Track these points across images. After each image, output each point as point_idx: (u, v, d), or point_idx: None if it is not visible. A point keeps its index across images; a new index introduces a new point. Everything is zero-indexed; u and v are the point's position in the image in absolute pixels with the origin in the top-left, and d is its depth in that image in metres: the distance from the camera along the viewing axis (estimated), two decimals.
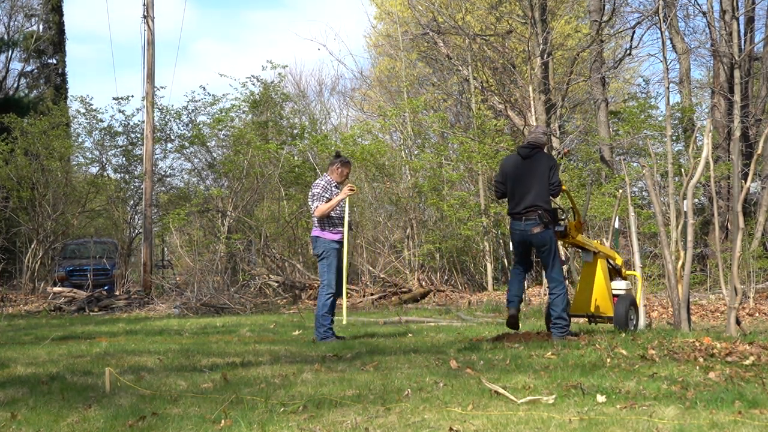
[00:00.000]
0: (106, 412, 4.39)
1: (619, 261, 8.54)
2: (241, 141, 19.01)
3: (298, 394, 4.80)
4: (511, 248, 7.86)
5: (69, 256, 20.27)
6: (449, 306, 14.49)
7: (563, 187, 7.59)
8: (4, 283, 19.28)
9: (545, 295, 7.66)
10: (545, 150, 7.69)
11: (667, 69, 10.51)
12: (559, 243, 7.73)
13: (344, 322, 8.93)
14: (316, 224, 8.07)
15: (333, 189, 8.09)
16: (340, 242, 8.05)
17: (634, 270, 9.25)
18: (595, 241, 8.48)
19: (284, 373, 5.61)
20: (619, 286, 8.42)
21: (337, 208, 8.02)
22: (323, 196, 7.99)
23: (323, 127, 26.08)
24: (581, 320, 9.21)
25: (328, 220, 8.00)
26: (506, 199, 7.65)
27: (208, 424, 4.08)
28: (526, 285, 8.23)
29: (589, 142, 21.03)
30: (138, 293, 17.50)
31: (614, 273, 8.50)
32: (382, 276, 16.53)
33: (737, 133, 17.60)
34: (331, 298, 7.97)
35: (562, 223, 7.67)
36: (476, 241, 17.69)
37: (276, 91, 20.17)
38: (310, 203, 8.16)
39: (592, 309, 8.23)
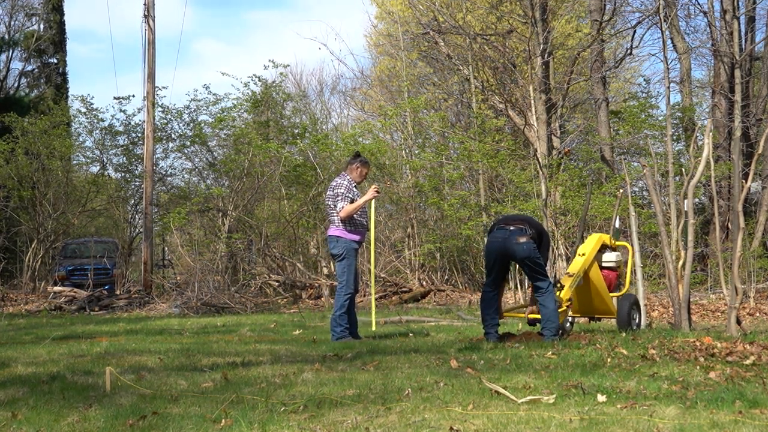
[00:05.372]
0: (106, 411, 4.39)
1: (606, 239, 8.49)
2: (242, 140, 19.01)
3: (298, 393, 4.80)
4: (485, 263, 7.54)
5: (69, 256, 20.27)
6: (450, 305, 14.49)
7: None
8: (4, 283, 19.28)
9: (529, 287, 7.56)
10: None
11: (668, 68, 10.52)
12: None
13: (373, 329, 8.90)
14: (337, 224, 7.91)
15: (354, 189, 7.99)
16: (360, 243, 8.00)
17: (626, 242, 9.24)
18: (580, 254, 8.24)
19: (285, 372, 5.61)
20: (609, 258, 8.40)
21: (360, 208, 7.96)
22: (347, 197, 7.86)
23: (324, 127, 26.07)
24: (582, 320, 9.22)
25: (351, 221, 7.88)
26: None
27: (208, 423, 4.08)
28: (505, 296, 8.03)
29: (589, 141, 21.02)
30: (138, 293, 17.50)
31: (605, 247, 8.49)
32: (382, 276, 16.53)
33: (738, 133, 17.60)
34: (350, 299, 7.90)
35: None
36: (477, 240, 17.69)
37: (277, 91, 20.17)
38: (330, 202, 7.97)
39: (594, 311, 8.23)
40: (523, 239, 7.08)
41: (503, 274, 7.53)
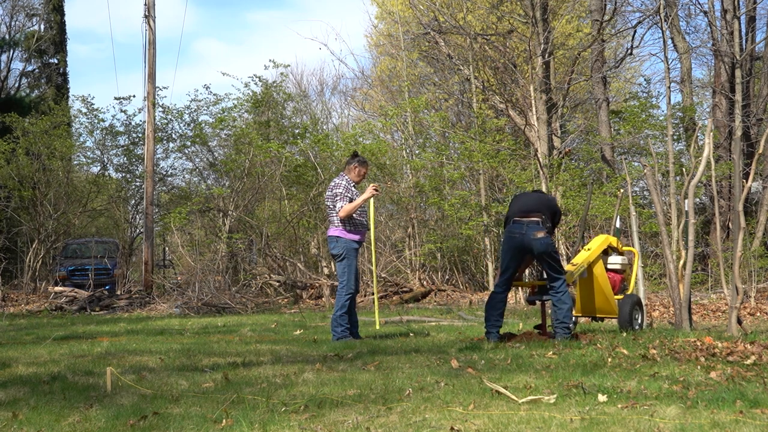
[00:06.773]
0: (107, 411, 4.39)
1: (614, 242, 8.49)
2: (243, 140, 19.02)
3: (299, 393, 4.80)
4: (501, 258, 7.38)
5: (70, 256, 20.28)
6: (450, 305, 14.49)
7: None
8: (5, 283, 19.29)
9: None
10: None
11: (669, 68, 10.51)
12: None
13: (377, 327, 8.88)
14: (337, 224, 7.89)
15: (353, 189, 7.97)
16: (360, 243, 7.99)
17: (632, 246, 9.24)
18: (585, 248, 8.22)
19: (285, 372, 5.61)
20: (615, 260, 8.40)
21: (359, 208, 7.94)
22: (346, 196, 7.84)
23: (324, 127, 26.08)
24: (583, 320, 9.22)
25: (350, 221, 7.86)
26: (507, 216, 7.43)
27: (209, 423, 4.08)
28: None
29: (590, 141, 21.02)
30: (139, 293, 17.51)
31: (611, 250, 8.49)
32: (383, 275, 16.54)
33: (738, 133, 17.61)
34: (350, 299, 7.89)
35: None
36: (477, 240, 17.69)
37: (278, 91, 20.18)
38: (329, 203, 7.96)
39: (596, 311, 8.23)
40: (540, 234, 6.99)
41: (515, 272, 7.42)
